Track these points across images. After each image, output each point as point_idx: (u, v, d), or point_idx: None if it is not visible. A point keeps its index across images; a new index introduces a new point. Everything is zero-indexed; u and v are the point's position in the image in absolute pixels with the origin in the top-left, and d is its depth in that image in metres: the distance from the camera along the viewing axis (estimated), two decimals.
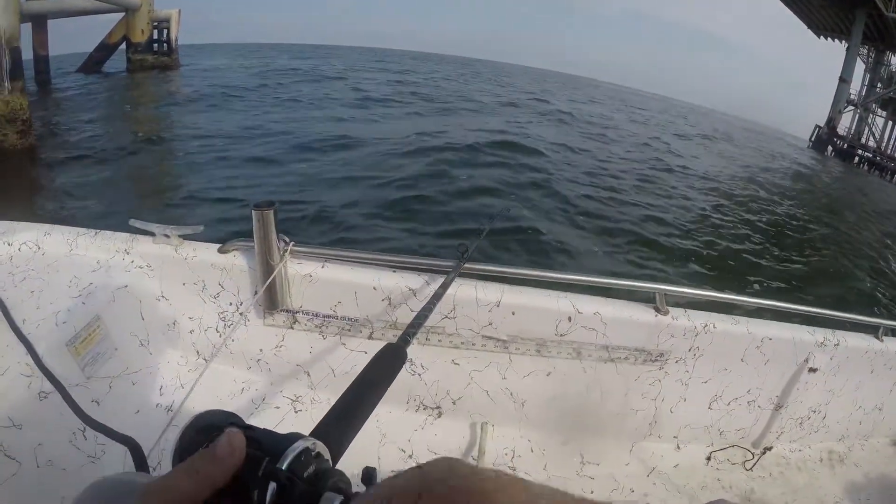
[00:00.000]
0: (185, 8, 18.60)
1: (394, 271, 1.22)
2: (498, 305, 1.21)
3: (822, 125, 27.36)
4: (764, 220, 8.42)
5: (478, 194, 6.60)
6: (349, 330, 1.25)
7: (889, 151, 24.81)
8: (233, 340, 1.25)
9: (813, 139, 28.10)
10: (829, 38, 27.41)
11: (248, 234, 1.15)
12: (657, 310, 1.29)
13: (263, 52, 36.26)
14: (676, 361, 1.35)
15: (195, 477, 0.27)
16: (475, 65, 60.49)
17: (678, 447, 1.47)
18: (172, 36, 18.25)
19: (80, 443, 0.93)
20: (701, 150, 16.76)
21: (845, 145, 25.76)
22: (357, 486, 0.29)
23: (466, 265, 1.13)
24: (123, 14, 16.11)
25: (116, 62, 17.32)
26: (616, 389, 1.35)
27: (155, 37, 17.65)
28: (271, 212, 1.08)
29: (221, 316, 1.25)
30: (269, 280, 1.13)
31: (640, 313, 1.28)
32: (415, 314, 0.76)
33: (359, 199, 5.90)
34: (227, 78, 17.26)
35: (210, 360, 1.08)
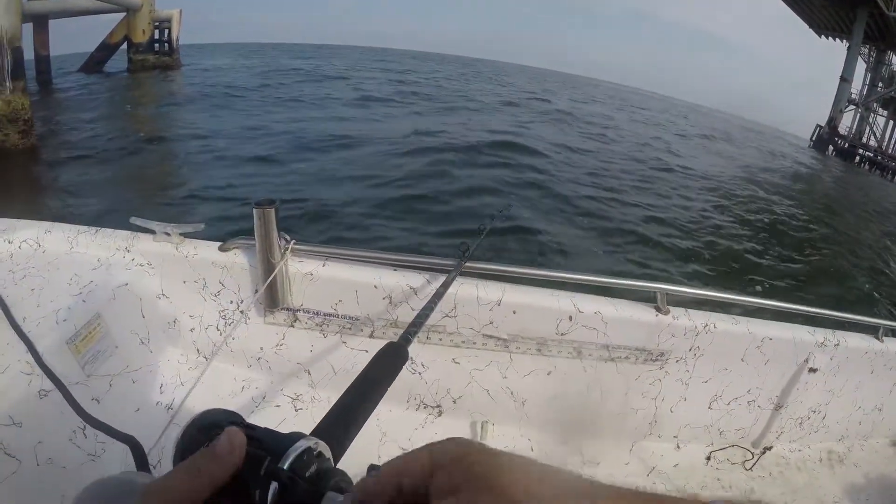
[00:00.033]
0: (186, 8, 18.62)
1: (395, 270, 1.22)
2: (499, 304, 1.21)
3: (823, 125, 27.33)
4: (764, 219, 8.41)
5: (478, 194, 6.60)
6: (350, 328, 1.25)
7: (890, 151, 24.76)
8: (233, 339, 1.25)
9: (814, 139, 28.06)
10: (830, 38, 27.36)
11: (248, 233, 1.15)
12: (658, 309, 1.29)
13: (265, 52, 36.29)
14: (677, 361, 1.35)
15: (195, 476, 0.27)
16: (476, 64, 60.50)
17: (678, 447, 1.47)
18: (174, 36, 18.25)
19: (80, 441, 0.93)
20: (701, 149, 16.74)
21: (846, 145, 25.72)
22: None
23: (468, 264, 1.13)
24: (125, 14, 16.11)
25: (118, 62, 17.33)
26: (616, 389, 1.35)
27: (156, 37, 17.65)
28: (272, 210, 1.07)
29: (222, 314, 1.25)
30: (270, 278, 1.13)
31: (641, 313, 1.28)
32: (416, 313, 0.76)
33: (359, 198, 5.91)
34: (228, 78, 17.27)
35: (211, 359, 1.08)
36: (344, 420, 0.45)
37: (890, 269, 7.29)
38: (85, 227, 1.21)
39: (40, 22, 14.69)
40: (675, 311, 1.30)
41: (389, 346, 0.60)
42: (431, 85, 21.76)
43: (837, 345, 1.44)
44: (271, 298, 1.19)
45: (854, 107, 26.23)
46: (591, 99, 30.28)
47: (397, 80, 21.63)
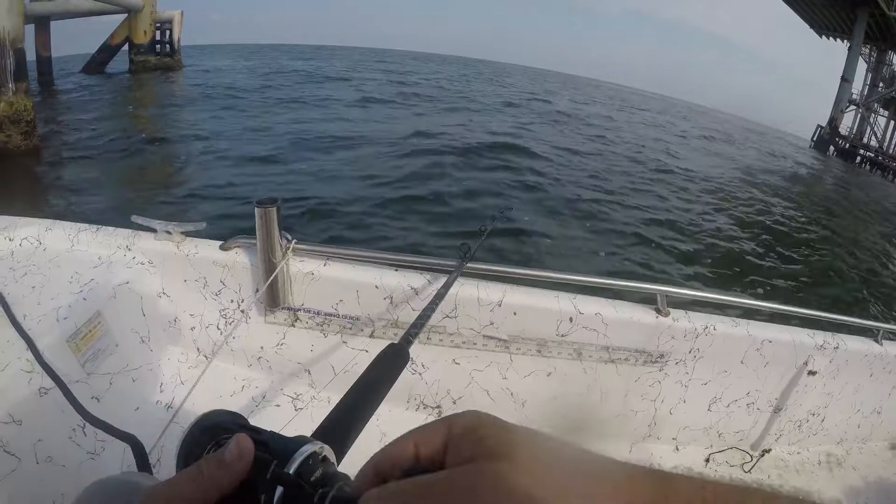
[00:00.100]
0: (188, 9, 18.65)
1: (396, 270, 1.22)
2: (500, 305, 1.21)
3: (823, 125, 27.31)
4: (765, 221, 8.41)
5: (479, 195, 6.61)
6: (350, 328, 1.25)
7: (891, 151, 24.75)
8: (234, 338, 1.25)
9: (815, 139, 28.05)
10: (830, 38, 27.38)
11: (250, 232, 1.15)
12: (658, 311, 1.29)
13: (266, 53, 36.33)
14: (676, 363, 1.35)
15: (202, 482, 0.27)
16: (477, 65, 60.54)
17: (677, 448, 1.47)
18: (175, 37, 18.29)
19: (79, 439, 0.93)
20: (701, 150, 16.74)
21: (847, 145, 25.71)
22: None
23: (469, 265, 1.13)
24: (126, 15, 16.14)
25: (119, 63, 17.36)
26: (616, 390, 1.34)
27: (157, 38, 17.67)
28: (274, 209, 1.07)
29: (223, 313, 1.25)
30: (271, 278, 1.13)
31: (641, 314, 1.28)
32: (416, 313, 0.76)
33: (359, 198, 5.91)
34: (229, 79, 17.29)
35: (211, 358, 1.08)
36: (346, 422, 0.45)
37: (889, 272, 7.28)
38: (86, 225, 1.21)
39: (42, 23, 14.71)
40: (675, 312, 1.30)
41: (390, 347, 0.60)
42: (433, 86, 21.79)
43: (837, 348, 1.44)
44: (272, 298, 1.19)
45: (855, 107, 26.24)
46: (592, 100, 30.30)
47: (398, 82, 21.65)
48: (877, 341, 1.53)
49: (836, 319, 1.48)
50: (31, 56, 10.82)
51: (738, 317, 1.40)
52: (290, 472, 0.27)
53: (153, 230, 1.19)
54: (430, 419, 1.37)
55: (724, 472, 1.46)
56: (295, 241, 1.14)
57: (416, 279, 1.20)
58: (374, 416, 0.49)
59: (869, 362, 1.52)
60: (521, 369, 1.29)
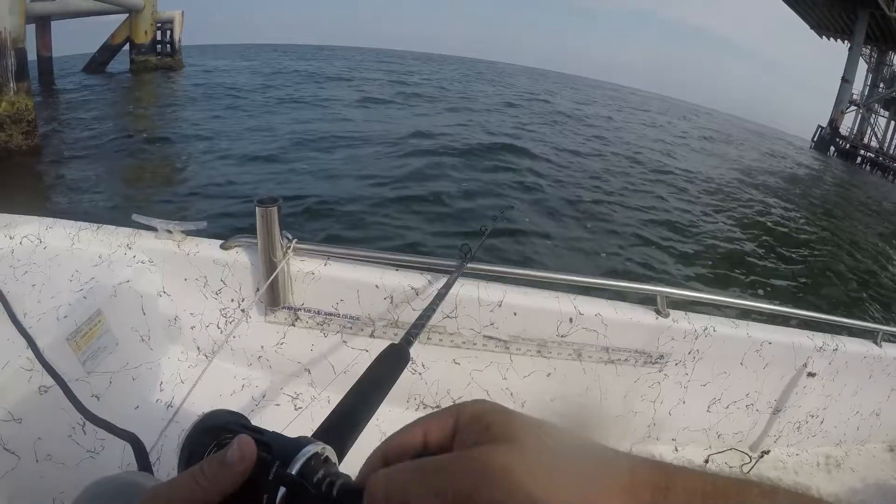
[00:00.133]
0: (188, 9, 18.65)
1: (396, 270, 1.22)
2: (500, 305, 1.21)
3: (824, 125, 27.32)
4: (765, 222, 8.41)
5: (478, 195, 6.62)
6: (351, 328, 1.26)
7: (891, 151, 24.75)
8: (234, 337, 1.25)
9: (815, 139, 28.06)
10: (831, 39, 27.39)
11: (250, 231, 1.16)
12: (658, 312, 1.29)
13: (267, 53, 36.36)
14: (676, 364, 1.35)
15: (204, 483, 0.27)
16: (477, 65, 60.56)
17: (676, 449, 1.47)
18: (176, 37, 18.29)
19: (79, 438, 0.94)
20: (702, 151, 16.75)
21: (848, 146, 25.72)
22: None
23: (469, 265, 1.13)
24: (127, 15, 16.16)
25: (120, 63, 17.37)
26: (616, 391, 1.35)
27: (158, 38, 17.67)
28: (275, 208, 1.07)
29: (223, 312, 1.25)
30: (272, 277, 1.13)
31: (641, 315, 1.28)
32: (417, 313, 0.76)
33: (359, 198, 5.92)
34: (230, 79, 17.32)
35: (211, 357, 1.08)
36: (346, 422, 0.45)
37: (889, 273, 7.28)
38: (86, 224, 1.20)
39: (42, 23, 14.73)
40: (675, 314, 1.30)
41: (391, 347, 0.60)
42: (433, 86, 21.79)
43: (836, 349, 1.44)
44: (272, 297, 1.19)
45: (855, 107, 26.25)
46: (592, 100, 30.30)
47: (399, 82, 21.65)
48: (876, 343, 1.53)
49: (835, 321, 1.48)
50: (32, 56, 10.84)
51: (737, 318, 1.41)
52: (293, 472, 0.27)
53: (154, 229, 1.19)
54: None
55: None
56: (296, 240, 1.14)
57: (417, 279, 1.20)
58: (374, 417, 0.49)
59: (868, 364, 1.52)
60: (521, 370, 1.30)
